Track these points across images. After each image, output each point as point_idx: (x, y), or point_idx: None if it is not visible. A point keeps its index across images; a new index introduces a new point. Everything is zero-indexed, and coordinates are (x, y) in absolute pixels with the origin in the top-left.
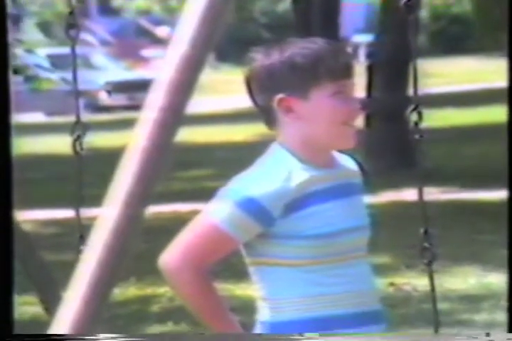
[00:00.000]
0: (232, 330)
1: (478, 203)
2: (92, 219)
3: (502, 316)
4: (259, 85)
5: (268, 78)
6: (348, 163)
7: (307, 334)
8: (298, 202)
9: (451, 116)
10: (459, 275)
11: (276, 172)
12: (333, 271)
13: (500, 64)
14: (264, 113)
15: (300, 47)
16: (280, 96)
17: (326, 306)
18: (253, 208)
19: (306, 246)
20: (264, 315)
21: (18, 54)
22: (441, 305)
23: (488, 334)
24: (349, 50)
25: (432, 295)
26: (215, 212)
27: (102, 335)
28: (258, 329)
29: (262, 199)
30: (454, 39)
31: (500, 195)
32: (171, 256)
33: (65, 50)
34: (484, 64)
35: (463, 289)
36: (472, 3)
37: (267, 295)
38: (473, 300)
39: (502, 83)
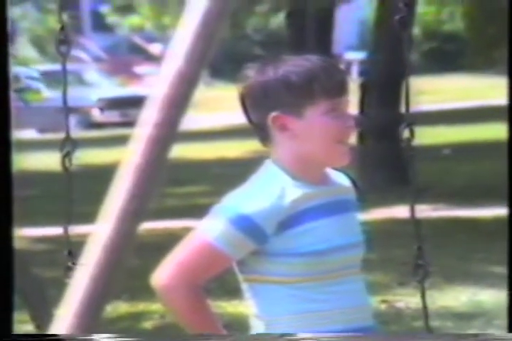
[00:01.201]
0: None
1: (471, 220)
2: (83, 235)
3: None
4: (253, 102)
5: (262, 95)
6: (341, 180)
7: (300, 335)
8: (291, 219)
9: (444, 133)
10: (451, 293)
11: (270, 190)
12: (326, 288)
13: (493, 81)
14: (258, 130)
15: (294, 65)
16: (274, 114)
17: (318, 323)
18: (246, 225)
19: (299, 263)
20: (256, 331)
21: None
22: (433, 323)
23: (476, 335)
24: (343, 67)
25: (424, 312)
26: (209, 230)
27: (100, 335)
28: None
29: (255, 216)
30: (447, 56)
31: (492, 212)
32: (164, 273)
33: (58, 66)
34: (477, 81)
35: (455, 307)
36: (465, 20)
37: (259, 312)
38: (464, 317)
39: (495, 100)
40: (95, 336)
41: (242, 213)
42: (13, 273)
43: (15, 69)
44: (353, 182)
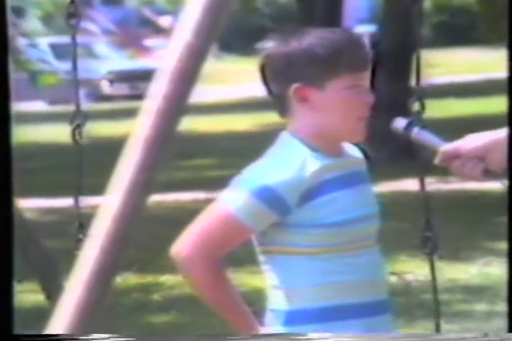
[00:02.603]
0: (246, 320)
1: (480, 194)
2: (93, 207)
3: (502, 306)
4: (275, 73)
5: (285, 66)
6: (354, 152)
7: (309, 335)
8: (312, 190)
9: (454, 106)
10: (460, 266)
11: (291, 161)
12: (346, 260)
13: (503, 54)
14: (277, 101)
15: (319, 37)
16: (296, 85)
17: (338, 295)
18: (269, 197)
19: (320, 234)
20: (276, 303)
21: (20, 48)
22: (442, 295)
23: (486, 335)
24: (367, 41)
25: (432, 284)
26: (231, 201)
27: (97, 335)
28: (270, 318)
29: (277, 188)
30: (457, 30)
31: (500, 185)
32: (184, 244)
33: (68, 39)
34: (487, 55)
35: (464, 279)
36: None
37: (279, 283)
38: (474, 290)
39: (504, 74)
40: (95, 336)
41: (264, 185)
42: (14, 273)
43: (27, 50)
44: (365, 154)
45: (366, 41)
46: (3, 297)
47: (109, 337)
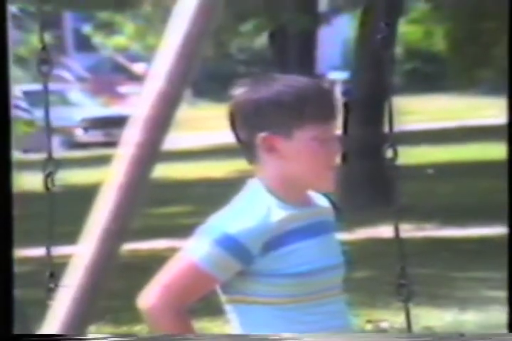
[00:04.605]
0: None
1: (454, 240)
2: (66, 256)
3: None
4: (243, 120)
5: (253, 114)
6: (321, 201)
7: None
8: (276, 240)
9: (426, 153)
10: (435, 313)
11: (255, 210)
12: (311, 309)
13: (474, 102)
14: (245, 148)
15: (287, 85)
16: (264, 134)
17: None
18: (232, 246)
19: (284, 284)
20: None
21: None
22: None
23: (462, 335)
24: (334, 90)
25: (408, 332)
26: (194, 251)
27: (97, 335)
28: None
29: (241, 236)
30: (429, 77)
31: (475, 231)
32: (150, 295)
33: (42, 86)
34: (458, 102)
35: (439, 326)
36: (446, 40)
37: (243, 333)
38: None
39: (476, 120)
40: (94, 336)
41: (228, 233)
42: (14, 272)
43: None
44: (332, 203)
45: (334, 92)
46: (3, 298)
47: (109, 337)
